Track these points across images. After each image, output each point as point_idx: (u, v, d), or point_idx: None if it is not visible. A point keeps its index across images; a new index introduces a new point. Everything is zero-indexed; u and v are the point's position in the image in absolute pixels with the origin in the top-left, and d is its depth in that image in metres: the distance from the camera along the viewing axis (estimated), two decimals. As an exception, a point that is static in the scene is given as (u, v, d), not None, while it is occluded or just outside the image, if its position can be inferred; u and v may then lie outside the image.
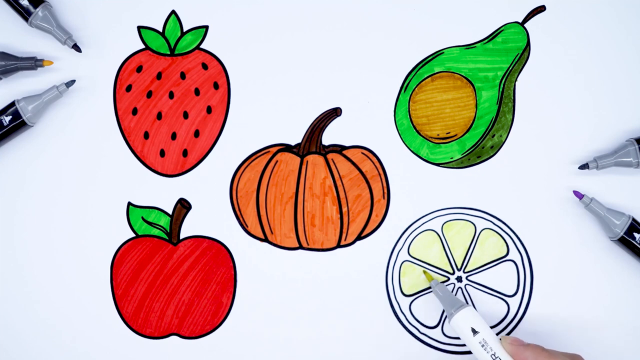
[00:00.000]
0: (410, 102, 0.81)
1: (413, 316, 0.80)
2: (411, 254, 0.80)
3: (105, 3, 0.81)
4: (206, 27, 0.81)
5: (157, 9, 0.81)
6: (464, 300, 0.78)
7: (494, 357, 0.71)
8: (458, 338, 0.80)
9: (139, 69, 0.81)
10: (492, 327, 0.79)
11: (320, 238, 0.80)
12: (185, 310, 0.80)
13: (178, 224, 0.81)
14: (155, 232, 0.81)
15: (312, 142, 0.81)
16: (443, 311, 0.80)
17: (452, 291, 0.80)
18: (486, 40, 0.81)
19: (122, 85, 0.81)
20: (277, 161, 0.81)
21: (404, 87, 0.81)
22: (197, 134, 0.81)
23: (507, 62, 0.81)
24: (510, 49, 0.81)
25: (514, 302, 0.80)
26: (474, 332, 0.73)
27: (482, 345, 0.72)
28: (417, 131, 0.81)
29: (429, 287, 0.80)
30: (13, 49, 0.80)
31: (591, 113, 0.81)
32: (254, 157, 0.81)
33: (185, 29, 0.81)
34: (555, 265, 0.80)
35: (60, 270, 0.80)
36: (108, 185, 0.81)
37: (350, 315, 0.80)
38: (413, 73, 0.81)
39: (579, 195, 0.78)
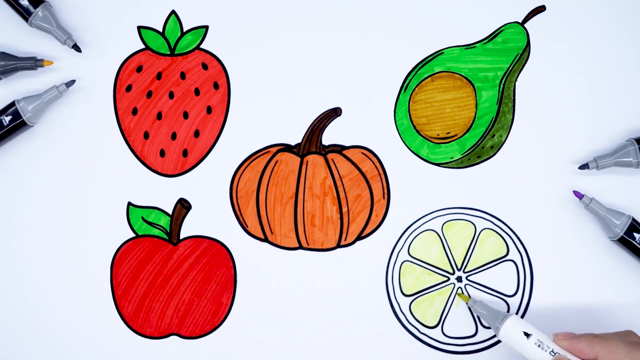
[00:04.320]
0: (410, 102, 0.81)
1: (413, 316, 0.80)
2: (411, 254, 0.80)
3: (105, 3, 0.81)
4: (206, 27, 0.81)
5: (157, 9, 0.81)
6: (504, 311, 0.78)
7: (552, 354, 0.71)
8: (458, 338, 0.80)
9: (139, 69, 0.81)
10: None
11: (320, 238, 0.80)
12: (185, 310, 0.80)
13: (178, 224, 0.81)
14: (155, 232, 0.81)
15: (312, 142, 0.81)
16: (443, 311, 0.80)
17: (452, 291, 0.80)
18: (486, 40, 0.81)
19: (122, 85, 0.81)
20: (277, 161, 0.81)
21: (404, 87, 0.81)
22: (197, 134, 0.81)
23: (507, 62, 0.81)
24: (510, 49, 0.81)
25: (514, 302, 0.80)
26: (527, 335, 0.73)
27: (539, 346, 0.72)
28: (417, 131, 0.81)
29: (429, 287, 0.80)
30: (13, 49, 0.80)
31: (591, 113, 0.81)
32: (254, 157, 0.81)
33: (185, 29, 0.81)
34: (555, 265, 0.80)
35: (60, 270, 0.80)
36: (108, 185, 0.81)
37: (350, 315, 0.80)
38: (413, 73, 0.81)
39: (579, 195, 0.78)
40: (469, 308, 0.79)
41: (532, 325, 0.74)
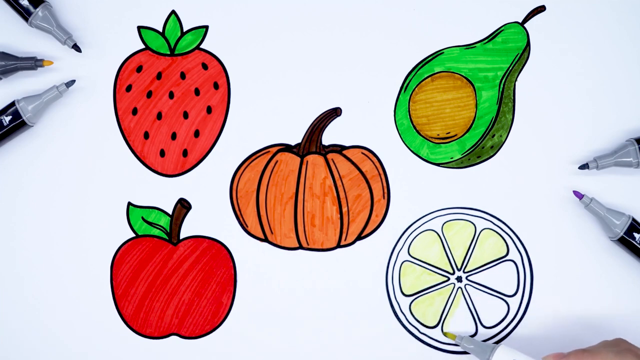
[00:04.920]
0: (410, 102, 0.81)
1: (413, 316, 0.80)
2: (411, 254, 0.80)
3: (105, 3, 0.81)
4: (206, 27, 0.81)
5: (157, 9, 0.81)
6: (492, 342, 0.78)
7: None
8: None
9: (139, 69, 0.81)
10: (492, 327, 0.80)
11: (320, 238, 0.80)
12: (185, 310, 0.80)
13: (178, 224, 0.81)
14: (155, 232, 0.81)
15: (312, 142, 0.81)
16: (443, 311, 0.80)
17: (452, 291, 0.80)
18: (486, 40, 0.81)
19: (122, 85, 0.81)
20: (277, 161, 0.81)
21: (404, 87, 0.81)
22: (197, 134, 0.81)
23: (507, 62, 0.81)
24: (510, 49, 0.81)
25: (514, 302, 0.80)
26: None
27: None
28: (417, 131, 0.81)
29: (429, 287, 0.80)
30: (13, 49, 0.80)
31: (591, 113, 0.81)
32: (254, 157, 0.81)
33: (185, 29, 0.81)
34: (555, 265, 0.80)
35: (60, 270, 0.80)
36: (108, 185, 0.81)
37: (350, 315, 0.80)
38: (413, 73, 0.81)
39: (579, 195, 0.78)
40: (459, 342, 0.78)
41: (521, 352, 0.75)
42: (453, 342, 0.79)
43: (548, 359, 0.72)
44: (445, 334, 0.79)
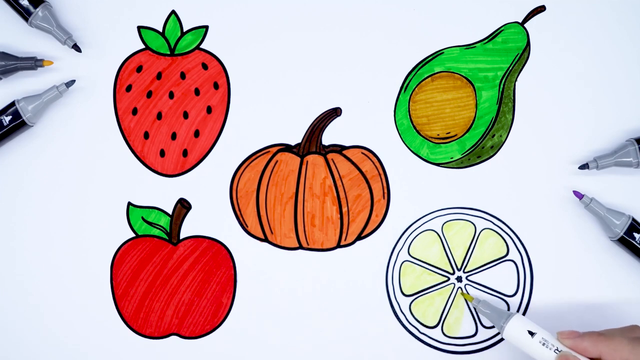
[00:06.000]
0: (410, 102, 0.81)
1: (413, 316, 0.80)
2: (411, 254, 0.80)
3: (105, 3, 0.81)
4: (206, 27, 0.81)
5: (157, 9, 0.81)
6: (509, 310, 0.78)
7: (557, 352, 0.71)
8: (458, 338, 0.80)
9: (139, 69, 0.81)
10: (491, 327, 0.80)
11: (320, 238, 0.80)
12: (185, 310, 0.80)
13: (178, 224, 0.81)
14: (155, 232, 0.81)
15: (312, 142, 0.81)
16: (443, 311, 0.80)
17: (452, 291, 0.80)
18: (486, 40, 0.81)
19: (122, 85, 0.81)
20: (277, 161, 0.81)
21: (404, 87, 0.81)
22: (197, 134, 0.81)
23: (507, 62, 0.81)
24: (510, 49, 0.81)
25: (514, 302, 0.80)
26: (531, 334, 0.73)
27: (544, 344, 0.72)
28: (417, 131, 0.81)
29: (429, 287, 0.80)
30: (13, 49, 0.80)
31: (591, 113, 0.81)
32: (254, 157, 0.81)
33: (185, 29, 0.81)
34: (555, 265, 0.80)
35: (60, 270, 0.80)
36: (108, 185, 0.81)
37: (350, 315, 0.80)
38: (413, 73, 0.81)
39: (579, 195, 0.78)
40: (474, 308, 0.79)
41: (536, 324, 0.74)
42: (454, 343, 0.79)
43: (563, 335, 0.72)
44: (462, 295, 0.79)
